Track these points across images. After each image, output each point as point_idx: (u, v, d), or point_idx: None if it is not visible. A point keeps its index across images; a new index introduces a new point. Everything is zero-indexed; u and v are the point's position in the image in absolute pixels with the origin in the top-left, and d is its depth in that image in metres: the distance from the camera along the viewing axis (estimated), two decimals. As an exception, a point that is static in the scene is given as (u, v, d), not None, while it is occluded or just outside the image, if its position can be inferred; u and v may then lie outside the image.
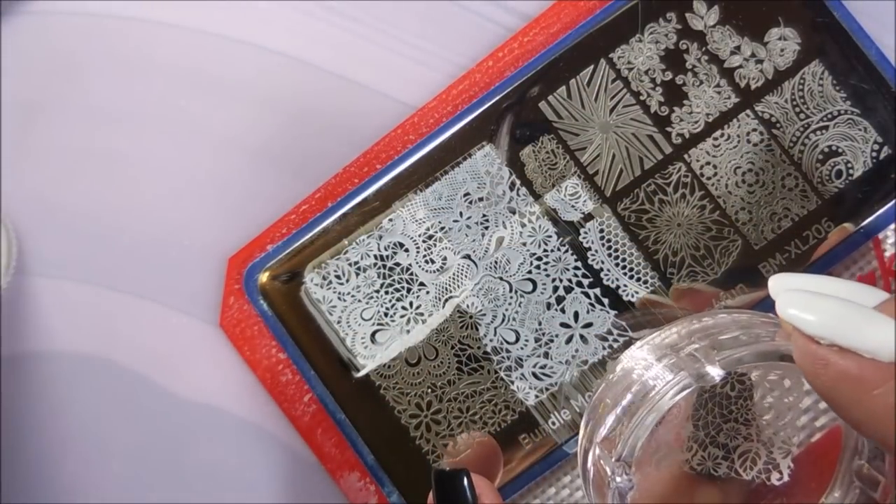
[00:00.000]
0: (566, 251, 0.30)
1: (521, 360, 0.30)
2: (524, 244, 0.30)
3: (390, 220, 0.30)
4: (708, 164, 0.30)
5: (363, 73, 0.32)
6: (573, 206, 0.30)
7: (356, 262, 0.30)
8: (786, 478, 0.25)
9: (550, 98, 0.30)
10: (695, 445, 0.25)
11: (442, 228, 0.30)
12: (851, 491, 0.25)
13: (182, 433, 0.31)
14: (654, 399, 0.24)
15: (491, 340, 0.30)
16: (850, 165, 0.30)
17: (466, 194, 0.30)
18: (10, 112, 0.31)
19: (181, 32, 0.31)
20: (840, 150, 0.30)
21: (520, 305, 0.30)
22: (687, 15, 0.30)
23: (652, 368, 0.26)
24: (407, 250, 0.30)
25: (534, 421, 0.29)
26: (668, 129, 0.30)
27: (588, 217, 0.30)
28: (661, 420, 0.24)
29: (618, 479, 0.24)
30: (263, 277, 0.30)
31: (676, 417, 0.25)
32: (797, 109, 0.30)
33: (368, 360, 0.30)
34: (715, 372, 0.24)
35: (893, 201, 0.30)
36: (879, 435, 0.21)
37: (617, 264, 0.30)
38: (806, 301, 0.22)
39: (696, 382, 0.24)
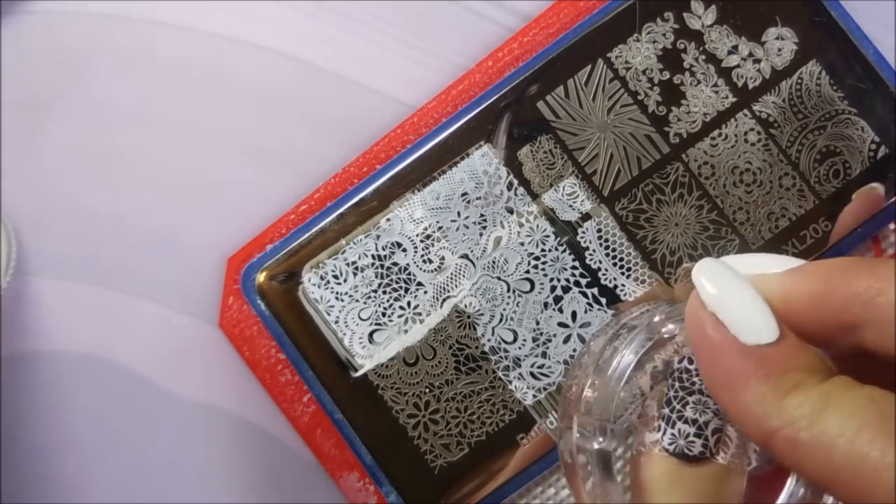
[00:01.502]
0: (564, 251, 0.30)
1: (518, 359, 0.30)
2: (522, 244, 0.30)
3: (388, 220, 0.30)
4: (705, 163, 0.30)
5: (363, 73, 0.32)
6: (571, 206, 0.30)
7: (354, 262, 0.30)
8: (754, 462, 0.24)
9: (548, 98, 0.30)
10: (662, 424, 0.24)
11: (440, 228, 0.30)
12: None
13: (182, 433, 0.31)
14: (615, 354, 0.24)
15: (489, 340, 0.30)
16: (847, 165, 0.30)
17: (464, 194, 0.30)
18: (10, 112, 0.31)
19: (181, 32, 0.32)
20: (837, 150, 0.30)
21: (517, 305, 0.30)
22: (684, 14, 0.30)
23: (611, 336, 0.26)
24: (405, 250, 0.30)
25: (532, 420, 0.29)
26: (666, 128, 0.30)
27: (586, 217, 0.30)
28: (627, 380, 0.24)
29: (595, 443, 0.24)
30: (261, 277, 0.30)
31: (638, 396, 0.25)
32: (795, 109, 0.30)
33: (366, 360, 0.30)
34: (666, 326, 0.24)
35: (892, 201, 0.30)
36: (721, 404, 0.21)
37: (615, 264, 0.30)
38: (710, 268, 0.22)
39: (648, 333, 0.24)
